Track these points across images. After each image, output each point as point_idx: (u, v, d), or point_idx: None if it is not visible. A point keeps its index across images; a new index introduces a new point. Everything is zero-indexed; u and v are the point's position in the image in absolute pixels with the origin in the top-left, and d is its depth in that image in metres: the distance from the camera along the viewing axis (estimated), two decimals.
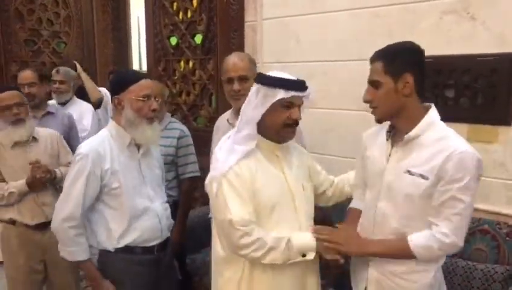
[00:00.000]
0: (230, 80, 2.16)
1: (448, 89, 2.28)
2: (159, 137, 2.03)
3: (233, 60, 2.17)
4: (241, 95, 2.12)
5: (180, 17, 3.54)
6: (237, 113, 2.18)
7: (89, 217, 1.92)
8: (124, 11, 4.95)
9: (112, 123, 1.96)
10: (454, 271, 2.06)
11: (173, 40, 3.61)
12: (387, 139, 1.58)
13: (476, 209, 2.21)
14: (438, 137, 1.45)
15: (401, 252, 1.49)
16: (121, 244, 1.92)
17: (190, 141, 2.61)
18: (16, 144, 2.37)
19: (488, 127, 2.18)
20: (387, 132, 1.59)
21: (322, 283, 2.48)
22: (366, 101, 1.54)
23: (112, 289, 1.93)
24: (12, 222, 2.39)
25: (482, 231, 2.14)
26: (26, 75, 2.93)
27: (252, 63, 2.22)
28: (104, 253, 1.92)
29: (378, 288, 1.59)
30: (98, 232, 1.92)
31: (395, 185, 1.50)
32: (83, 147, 1.89)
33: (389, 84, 1.48)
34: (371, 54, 2.51)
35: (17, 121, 2.35)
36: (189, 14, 3.49)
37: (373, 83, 1.51)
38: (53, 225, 1.90)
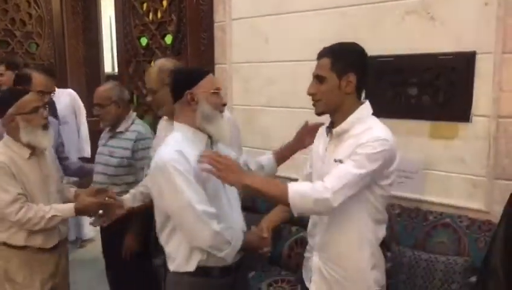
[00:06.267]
0: None
1: (411, 87, 2.34)
2: (229, 133, 1.83)
3: (146, 74, 2.24)
4: (156, 105, 2.19)
5: (150, 17, 3.54)
6: (169, 116, 2.18)
7: None
8: (94, 11, 4.90)
9: (182, 126, 1.71)
10: (418, 264, 2.11)
11: (143, 41, 3.61)
12: (327, 134, 1.67)
13: (438, 204, 2.31)
14: (363, 129, 1.53)
15: (277, 193, 1.49)
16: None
17: (150, 143, 2.46)
18: (32, 155, 2.08)
19: (449, 124, 2.25)
20: (327, 127, 1.68)
21: (292, 279, 2.55)
22: (310, 94, 1.61)
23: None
24: (22, 247, 2.07)
25: (443, 225, 2.20)
26: None
27: (163, 72, 2.13)
28: None
29: (321, 277, 1.64)
30: None
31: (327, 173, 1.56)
32: (166, 154, 1.61)
33: (333, 81, 1.55)
34: None
35: (46, 125, 2.10)
36: (159, 15, 3.49)
37: (318, 78, 1.58)
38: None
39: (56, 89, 4.22)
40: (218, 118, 1.70)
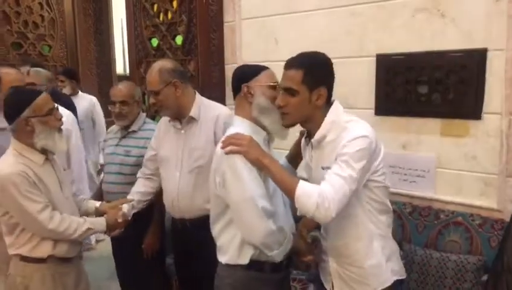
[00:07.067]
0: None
1: (421, 85, 2.33)
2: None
3: (147, 76, 2.21)
4: (159, 106, 2.18)
5: (161, 18, 3.55)
6: (172, 117, 2.23)
7: None
8: (106, 13, 4.96)
9: (241, 120, 1.73)
10: (429, 263, 2.11)
11: (154, 42, 3.62)
12: (307, 144, 1.68)
13: (449, 202, 2.30)
14: (339, 132, 1.52)
15: (288, 183, 1.49)
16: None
17: None
18: (46, 160, 1.96)
19: (460, 122, 2.23)
20: (305, 137, 1.69)
21: (303, 278, 2.55)
22: (279, 106, 1.58)
23: None
24: (44, 260, 1.94)
25: (455, 223, 2.19)
26: None
27: (163, 72, 2.14)
28: None
29: (341, 280, 1.65)
30: None
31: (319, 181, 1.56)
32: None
33: (304, 94, 1.53)
34: (346, 52, 2.59)
35: (61, 128, 1.99)
36: (169, 16, 3.50)
37: (289, 90, 1.54)
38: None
39: (79, 92, 4.29)
40: (275, 111, 1.67)
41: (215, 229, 1.73)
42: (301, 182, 1.47)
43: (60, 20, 4.86)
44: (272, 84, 1.70)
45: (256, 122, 1.70)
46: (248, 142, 1.57)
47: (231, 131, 1.67)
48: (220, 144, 1.63)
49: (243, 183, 1.56)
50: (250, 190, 1.56)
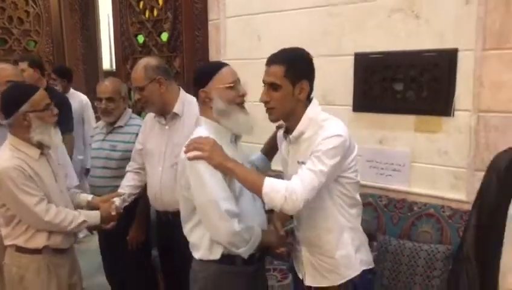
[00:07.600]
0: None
1: (397, 83, 2.43)
2: (252, 125, 1.79)
3: (132, 73, 2.29)
4: (144, 102, 2.26)
5: (147, 15, 3.60)
6: (157, 113, 2.31)
7: None
8: (92, 9, 4.97)
9: (206, 121, 1.74)
10: (402, 252, 2.21)
11: (140, 38, 3.67)
12: (285, 139, 1.75)
13: (423, 195, 2.40)
14: (316, 130, 1.61)
15: (255, 182, 1.56)
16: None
17: None
18: (41, 154, 2.00)
19: (433, 118, 2.33)
20: (284, 132, 1.76)
21: (284, 268, 2.64)
22: (263, 101, 1.64)
23: None
24: (39, 251, 1.99)
25: (428, 215, 2.30)
26: None
27: (148, 69, 2.22)
28: None
29: (313, 269, 1.74)
30: None
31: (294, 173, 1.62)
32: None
33: (288, 88, 1.59)
34: (326, 50, 2.67)
35: (56, 123, 2.04)
36: (155, 13, 3.55)
37: (272, 85, 1.60)
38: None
39: (71, 90, 4.28)
40: (235, 112, 1.69)
41: (186, 228, 1.77)
42: (267, 179, 1.54)
43: (46, 16, 4.86)
44: (228, 85, 1.69)
45: (220, 123, 1.73)
46: (211, 147, 1.59)
47: (197, 132, 1.70)
48: (183, 148, 1.66)
49: (206, 187, 1.60)
50: (213, 194, 1.59)
